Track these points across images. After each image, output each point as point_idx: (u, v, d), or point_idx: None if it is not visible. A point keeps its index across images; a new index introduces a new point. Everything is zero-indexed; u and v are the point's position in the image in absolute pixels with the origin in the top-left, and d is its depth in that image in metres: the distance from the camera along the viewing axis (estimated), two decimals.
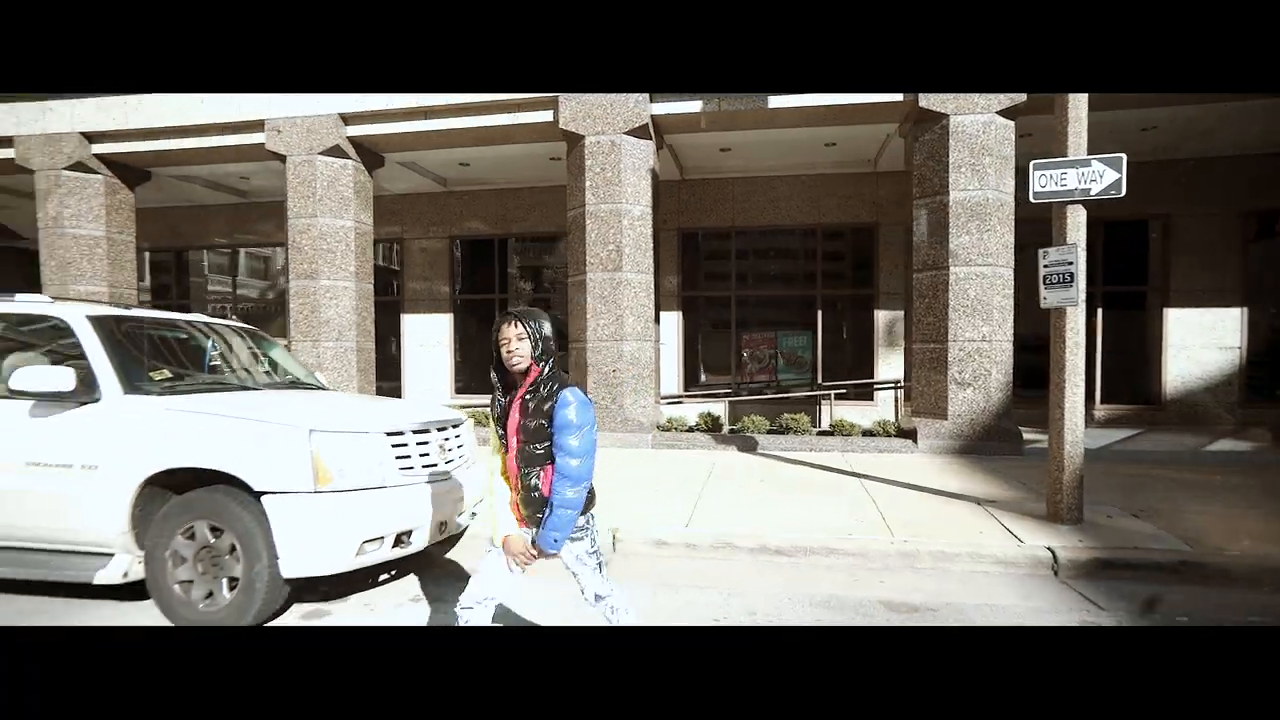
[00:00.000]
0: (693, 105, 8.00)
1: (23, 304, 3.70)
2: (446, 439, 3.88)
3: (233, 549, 3.15)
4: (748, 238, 11.41)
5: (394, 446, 3.45)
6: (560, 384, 2.25)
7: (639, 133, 8.14)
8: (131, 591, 3.56)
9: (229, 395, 3.72)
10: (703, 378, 11.65)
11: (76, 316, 3.58)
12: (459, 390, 12.24)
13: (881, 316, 10.81)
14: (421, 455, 3.61)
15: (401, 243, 12.30)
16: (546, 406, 2.21)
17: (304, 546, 3.07)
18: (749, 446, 7.85)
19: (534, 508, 2.27)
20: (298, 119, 8.85)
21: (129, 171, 10.22)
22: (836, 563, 4.40)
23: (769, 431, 8.33)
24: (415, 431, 3.63)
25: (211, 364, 4.19)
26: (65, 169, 9.60)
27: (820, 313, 11.12)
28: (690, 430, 8.58)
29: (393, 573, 4.15)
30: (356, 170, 9.16)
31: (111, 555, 3.31)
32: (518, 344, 2.24)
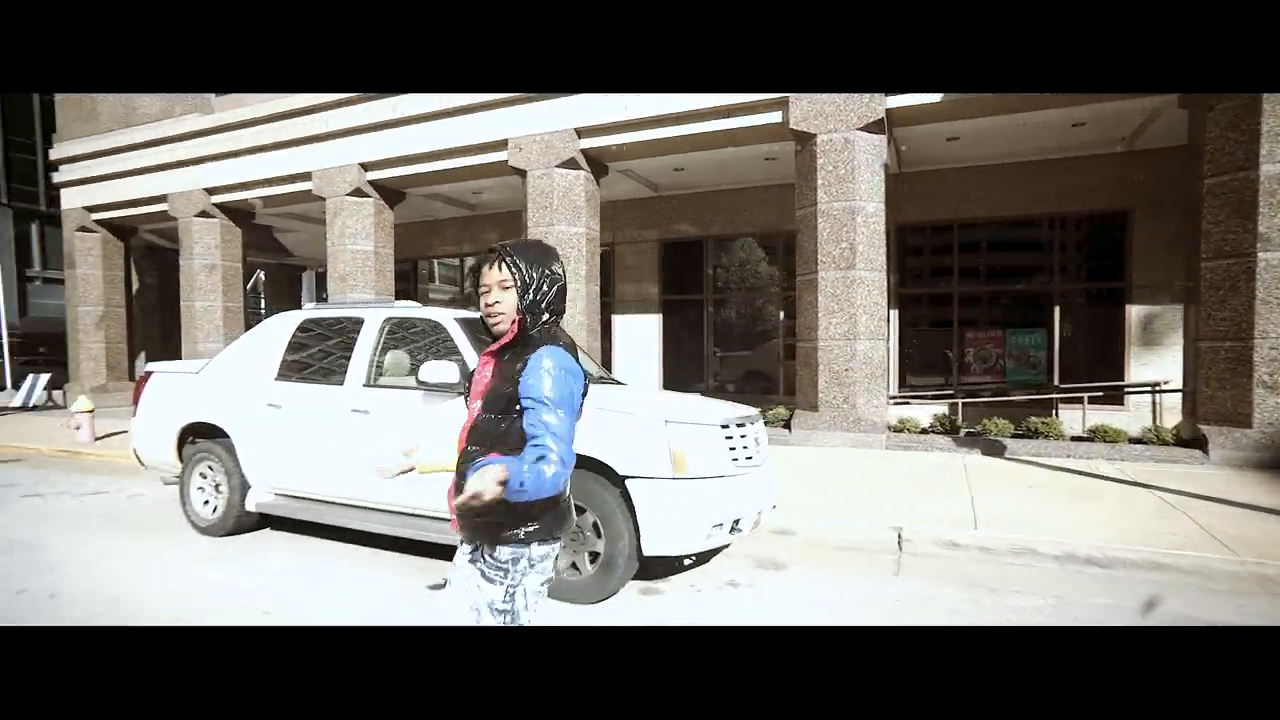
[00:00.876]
0: (933, 95, 7.69)
1: (402, 309, 4.41)
2: (753, 433, 4.07)
3: (595, 527, 3.53)
4: (972, 231, 10.75)
5: (725, 439, 3.69)
6: (542, 342, 1.65)
7: (872, 128, 7.97)
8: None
9: None
10: (912, 379, 11.15)
11: (447, 319, 4.19)
12: (666, 389, 12.69)
13: (1135, 312, 9.71)
14: (742, 447, 3.82)
15: (613, 247, 12.98)
16: (517, 368, 1.63)
17: (664, 528, 3.37)
18: (994, 450, 7.41)
19: (462, 483, 1.65)
20: (537, 136, 9.65)
21: (390, 193, 11.70)
22: (1164, 579, 4.03)
23: (1014, 435, 7.80)
24: (736, 425, 3.85)
25: None
26: (347, 195, 11.20)
27: (1056, 309, 10.21)
28: (923, 432, 8.25)
29: (693, 558, 4.42)
30: (587, 180, 9.81)
31: None
32: (500, 294, 1.65)
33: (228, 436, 4.78)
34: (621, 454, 3.44)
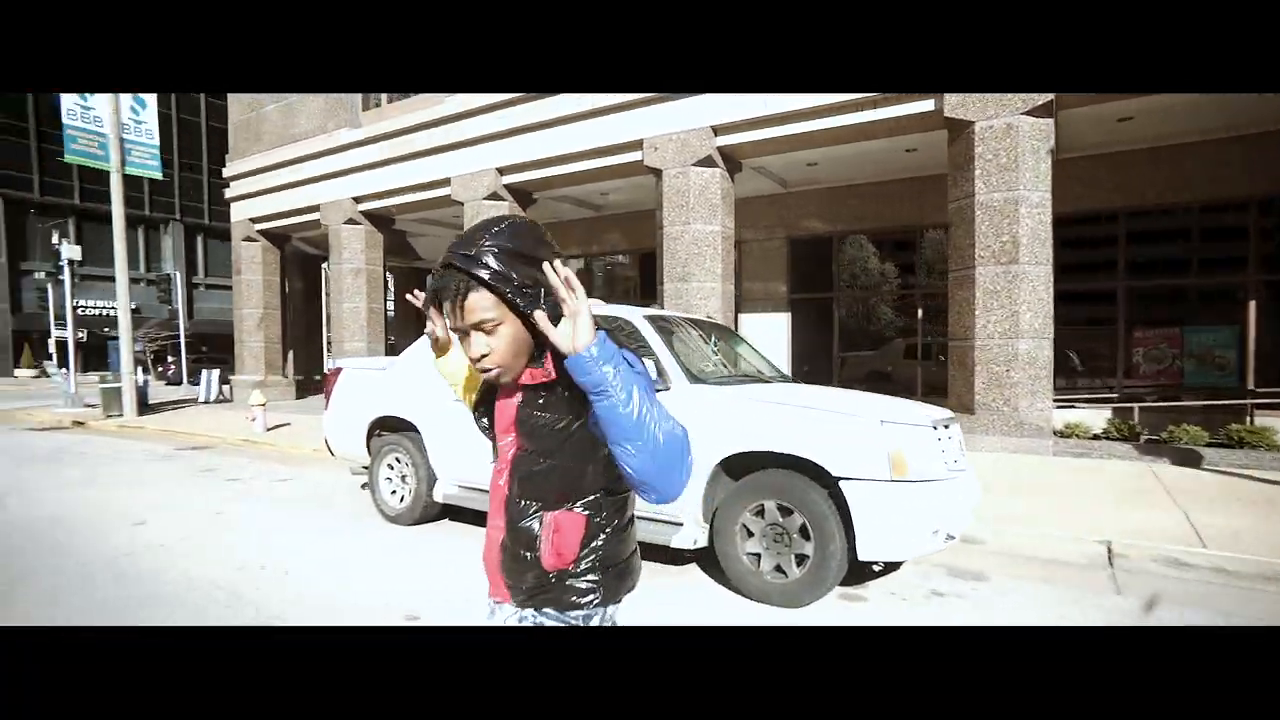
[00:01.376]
0: None
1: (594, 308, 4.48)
2: (956, 435, 3.84)
3: (803, 529, 3.43)
4: (1142, 219, 9.82)
5: (936, 440, 3.49)
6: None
7: (1039, 112, 7.42)
8: (674, 555, 4.09)
9: (765, 387, 4.11)
10: (1061, 382, 10.31)
11: (636, 316, 4.21)
12: None
13: None
14: (949, 450, 3.61)
15: (740, 244, 12.83)
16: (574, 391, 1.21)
17: (882, 531, 3.23)
18: (1189, 460, 6.70)
19: (524, 573, 1.28)
20: (673, 135, 9.65)
21: (523, 196, 12.08)
22: None
23: (1210, 444, 7.03)
24: (942, 426, 3.65)
25: (716, 358, 4.66)
26: (484, 198, 11.66)
27: (1253, 303, 9.15)
28: (1095, 438, 7.60)
29: (881, 565, 4.23)
30: (723, 178, 9.71)
31: (681, 525, 3.82)
32: (488, 340, 1.20)
33: (416, 431, 5.04)
34: (835, 454, 3.32)
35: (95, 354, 32.98)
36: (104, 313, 34.95)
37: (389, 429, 5.29)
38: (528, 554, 1.27)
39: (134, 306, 35.25)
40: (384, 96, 13.53)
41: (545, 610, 1.27)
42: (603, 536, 1.27)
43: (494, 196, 11.65)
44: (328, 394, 5.76)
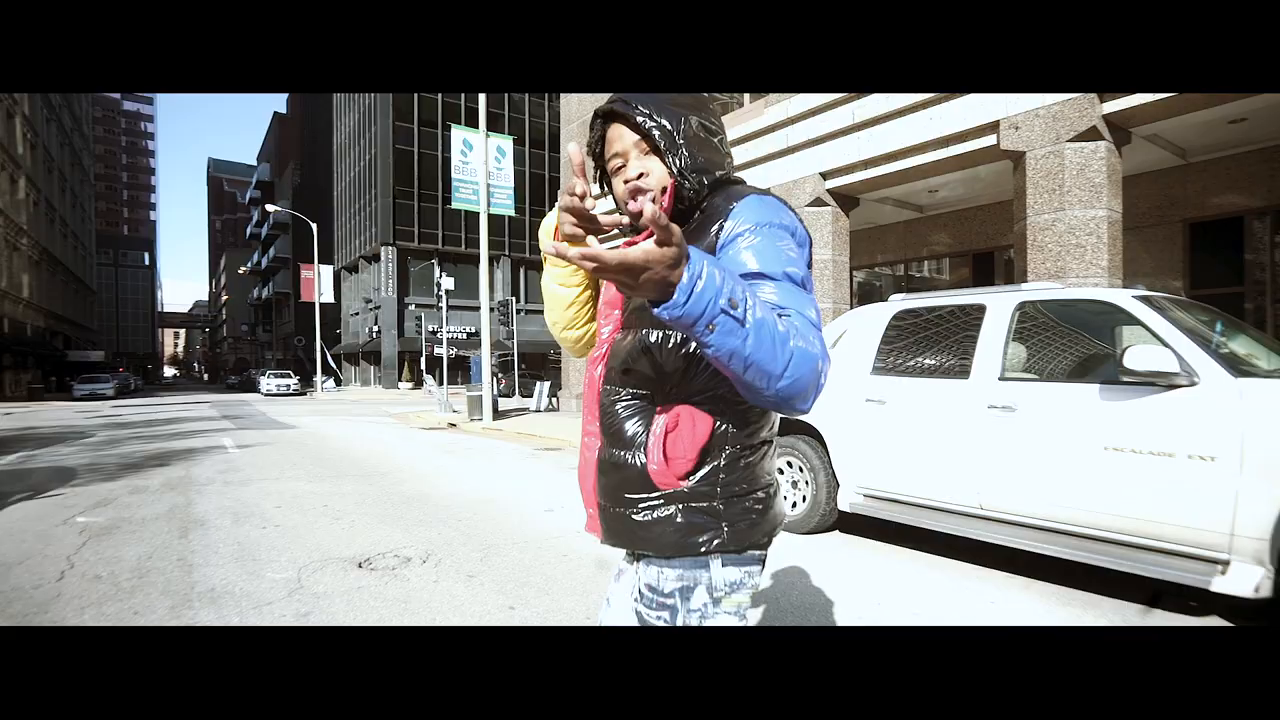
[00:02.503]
0: None
1: (1044, 291, 3.83)
2: None
3: None
4: None
5: None
6: (738, 194, 1.08)
7: None
8: (1234, 608, 3.22)
9: None
10: None
11: (1124, 299, 3.44)
12: None
13: None
14: None
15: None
16: (709, 234, 1.04)
17: None
18: None
19: (621, 490, 1.07)
20: (1040, 110, 8.36)
21: (847, 200, 11.55)
22: None
23: None
24: None
25: (1220, 346, 3.65)
26: (807, 205, 11.39)
27: None
28: None
29: None
30: (1109, 152, 8.14)
31: (1227, 562, 2.94)
32: (642, 161, 1.10)
33: (815, 433, 4.79)
34: None
35: (453, 369, 40.13)
36: (457, 335, 42.38)
37: (784, 430, 5.14)
38: (629, 459, 1.07)
39: (473, 330, 41.77)
40: None
41: (660, 567, 1.05)
42: (728, 451, 1.05)
43: (817, 202, 11.32)
44: None
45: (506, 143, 16.14)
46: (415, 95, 43.20)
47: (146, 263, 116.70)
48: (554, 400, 19.39)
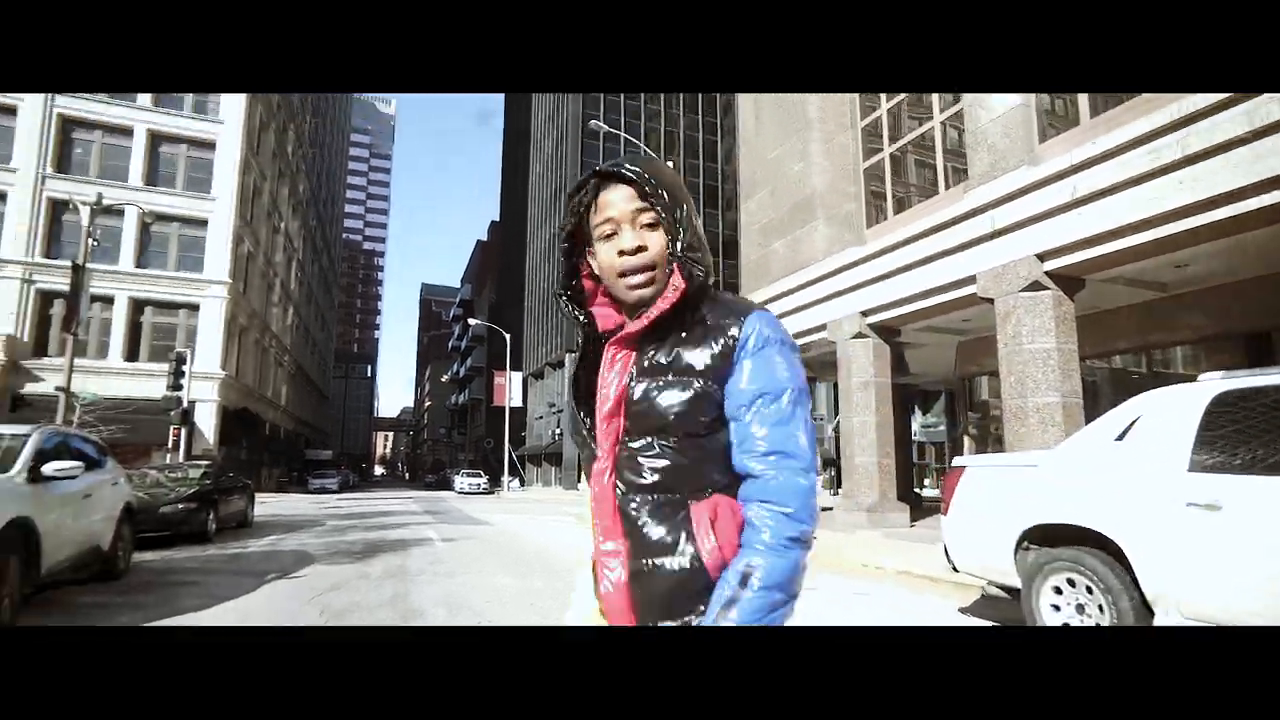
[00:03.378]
0: None
1: None
2: None
3: None
4: None
5: None
6: (738, 304, 1.06)
7: None
8: None
9: None
10: None
11: None
12: None
13: None
14: None
15: None
16: (717, 345, 1.02)
17: None
18: None
19: (676, 593, 1.00)
20: None
21: (1069, 282, 10.33)
22: None
23: None
24: None
25: None
26: (1021, 290, 10.34)
27: None
28: None
29: None
30: None
31: None
32: (642, 234, 1.03)
33: (1107, 544, 3.90)
34: None
35: None
36: None
37: (1055, 541, 4.26)
38: (674, 565, 1.01)
39: None
40: (889, 209, 13.67)
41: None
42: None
43: (1034, 286, 10.24)
44: (947, 498, 5.09)
45: None
46: None
47: (369, 374, 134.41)
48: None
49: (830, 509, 14.42)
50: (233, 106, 31.52)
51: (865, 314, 13.72)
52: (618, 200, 1.05)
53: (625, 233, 1.05)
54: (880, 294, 13.21)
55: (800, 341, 16.20)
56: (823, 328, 14.91)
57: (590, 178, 1.07)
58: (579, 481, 43.78)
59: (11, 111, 27.36)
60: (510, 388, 42.44)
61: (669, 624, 1.03)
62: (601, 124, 17.65)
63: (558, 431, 45.94)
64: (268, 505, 22.27)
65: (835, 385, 15.38)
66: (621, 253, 1.04)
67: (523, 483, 50.51)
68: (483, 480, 41.53)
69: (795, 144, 16.29)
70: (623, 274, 1.04)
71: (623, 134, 21.96)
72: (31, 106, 27.51)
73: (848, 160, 14.75)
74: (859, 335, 13.90)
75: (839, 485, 18.42)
